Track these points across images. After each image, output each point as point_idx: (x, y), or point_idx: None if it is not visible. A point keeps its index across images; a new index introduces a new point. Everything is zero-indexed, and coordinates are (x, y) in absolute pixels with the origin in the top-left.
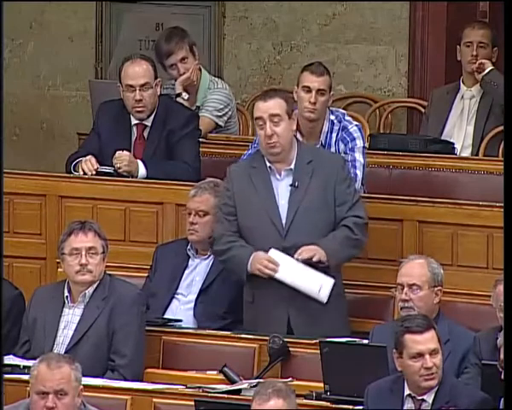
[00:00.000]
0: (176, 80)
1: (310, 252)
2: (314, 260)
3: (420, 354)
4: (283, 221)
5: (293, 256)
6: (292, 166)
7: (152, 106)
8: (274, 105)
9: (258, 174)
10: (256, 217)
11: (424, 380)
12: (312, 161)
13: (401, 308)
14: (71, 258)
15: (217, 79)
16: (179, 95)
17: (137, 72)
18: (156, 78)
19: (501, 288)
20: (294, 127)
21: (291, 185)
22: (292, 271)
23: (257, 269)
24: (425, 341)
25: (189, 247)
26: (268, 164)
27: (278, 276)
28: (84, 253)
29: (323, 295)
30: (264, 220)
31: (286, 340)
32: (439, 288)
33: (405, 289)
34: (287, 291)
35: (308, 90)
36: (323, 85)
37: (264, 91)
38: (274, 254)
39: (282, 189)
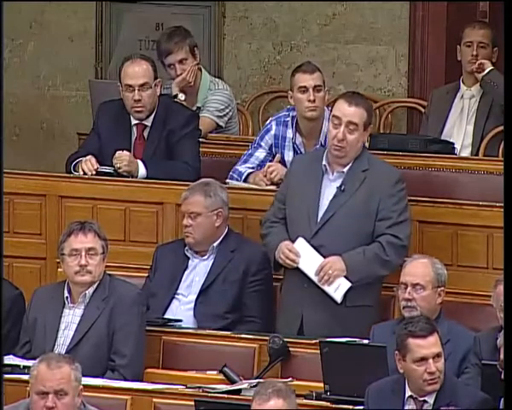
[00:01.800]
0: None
1: (328, 274)
2: (330, 282)
3: (424, 359)
4: (318, 220)
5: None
6: (345, 170)
7: (151, 106)
8: (355, 113)
9: (314, 170)
10: (297, 209)
11: (427, 385)
12: (368, 169)
13: (403, 307)
14: (70, 259)
15: (217, 79)
16: (176, 96)
17: (137, 72)
18: (156, 78)
19: (501, 288)
20: (366, 139)
21: (338, 188)
22: (314, 265)
23: (279, 257)
24: (429, 345)
25: (187, 247)
26: (324, 162)
27: (301, 266)
28: (83, 254)
29: (338, 296)
30: (302, 215)
31: (286, 340)
32: (442, 288)
33: (409, 288)
34: (305, 291)
35: (305, 90)
36: (319, 81)
37: (352, 93)
38: (300, 244)
39: (329, 189)
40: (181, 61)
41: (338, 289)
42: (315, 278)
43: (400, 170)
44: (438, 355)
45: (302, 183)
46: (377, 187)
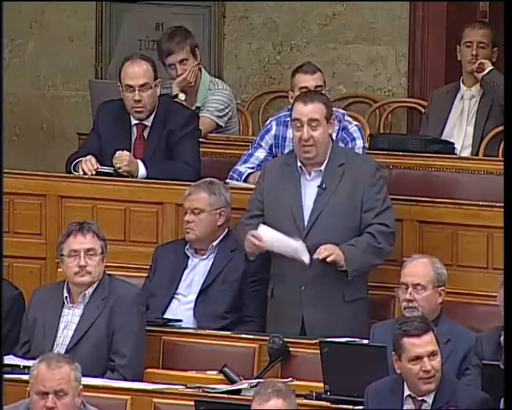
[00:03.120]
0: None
1: (328, 251)
2: (329, 260)
3: (418, 358)
4: (305, 222)
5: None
6: (322, 168)
7: (151, 106)
8: (314, 109)
9: (290, 173)
10: (281, 214)
11: (423, 383)
12: (344, 163)
13: (404, 308)
14: (70, 259)
15: (217, 79)
16: (176, 96)
17: (137, 72)
18: (156, 78)
19: None
20: (331, 131)
21: (319, 187)
22: (277, 243)
23: (247, 247)
24: (423, 344)
25: (187, 246)
26: (299, 164)
27: (280, 251)
28: (82, 254)
29: (306, 259)
30: (287, 219)
31: (286, 340)
32: (443, 288)
33: (410, 288)
34: (304, 292)
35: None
36: (320, 81)
37: (305, 93)
38: (262, 229)
39: (310, 189)
40: (182, 62)
41: (302, 253)
42: (285, 253)
43: (400, 170)
44: (433, 354)
45: (279, 187)
46: (358, 179)
